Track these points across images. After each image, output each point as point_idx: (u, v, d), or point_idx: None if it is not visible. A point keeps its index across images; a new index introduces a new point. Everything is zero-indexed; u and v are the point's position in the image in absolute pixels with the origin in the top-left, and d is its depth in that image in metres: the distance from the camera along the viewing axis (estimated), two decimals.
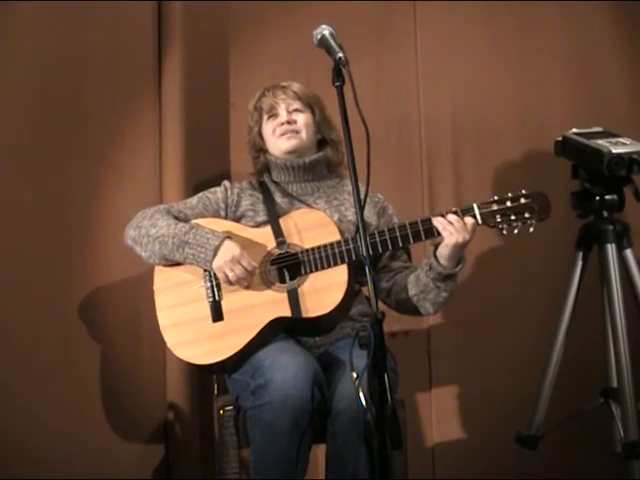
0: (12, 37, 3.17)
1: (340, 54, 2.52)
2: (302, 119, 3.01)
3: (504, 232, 2.83)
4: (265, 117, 3.04)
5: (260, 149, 3.07)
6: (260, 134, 3.06)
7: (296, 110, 3.02)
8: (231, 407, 2.85)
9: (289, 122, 3.00)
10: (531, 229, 2.83)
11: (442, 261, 2.82)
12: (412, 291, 2.90)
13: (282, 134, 3.00)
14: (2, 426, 3.09)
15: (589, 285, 3.12)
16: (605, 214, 3.07)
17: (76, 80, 3.29)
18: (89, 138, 3.30)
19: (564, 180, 3.16)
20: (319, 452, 2.83)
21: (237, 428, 2.83)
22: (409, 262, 3.01)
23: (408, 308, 2.95)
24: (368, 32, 3.59)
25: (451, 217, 2.79)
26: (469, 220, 2.79)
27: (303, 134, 3.01)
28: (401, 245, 2.83)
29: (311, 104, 3.04)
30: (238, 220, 2.98)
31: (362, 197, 2.45)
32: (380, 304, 2.94)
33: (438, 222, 2.79)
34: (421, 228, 2.81)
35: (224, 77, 3.52)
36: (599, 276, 3.09)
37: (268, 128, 3.03)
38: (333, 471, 2.70)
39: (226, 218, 2.98)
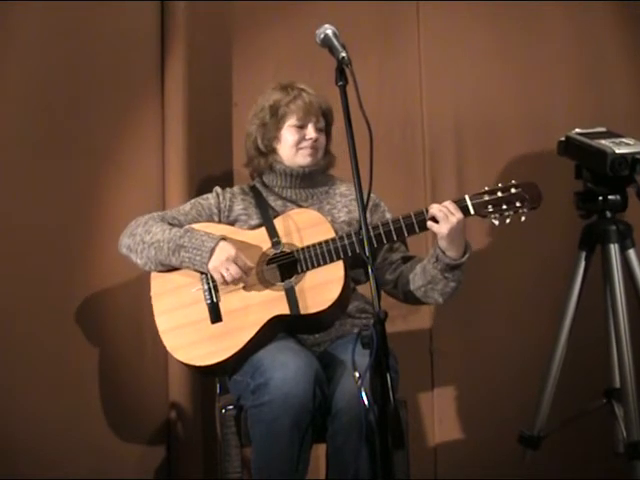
0: (15, 37, 3.16)
1: (343, 53, 2.51)
2: (323, 138, 3.01)
3: (496, 222, 2.84)
4: (291, 122, 2.98)
5: (270, 148, 3.02)
6: (276, 134, 3.02)
7: (321, 130, 3.00)
8: (233, 406, 2.85)
9: (315, 140, 2.99)
10: (522, 218, 2.84)
11: (448, 252, 2.83)
12: (419, 282, 2.90)
13: (304, 149, 2.98)
14: (4, 426, 3.09)
15: (592, 285, 3.12)
16: (608, 214, 3.07)
17: (79, 79, 3.28)
18: (92, 138, 3.30)
19: (567, 180, 3.16)
20: (320, 452, 2.83)
21: (239, 427, 2.82)
22: (408, 251, 3.02)
23: (416, 299, 2.95)
24: (371, 32, 3.59)
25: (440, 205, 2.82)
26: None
27: (320, 152, 3.01)
28: (395, 239, 2.85)
29: (328, 122, 3.03)
30: (232, 224, 2.97)
31: (364, 196, 2.45)
32: (384, 296, 2.98)
33: (432, 208, 2.81)
34: (414, 220, 2.82)
35: (227, 77, 3.51)
36: (602, 276, 3.09)
37: (289, 136, 2.99)
38: (333, 471, 2.70)
39: (219, 223, 2.97)
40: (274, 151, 3.03)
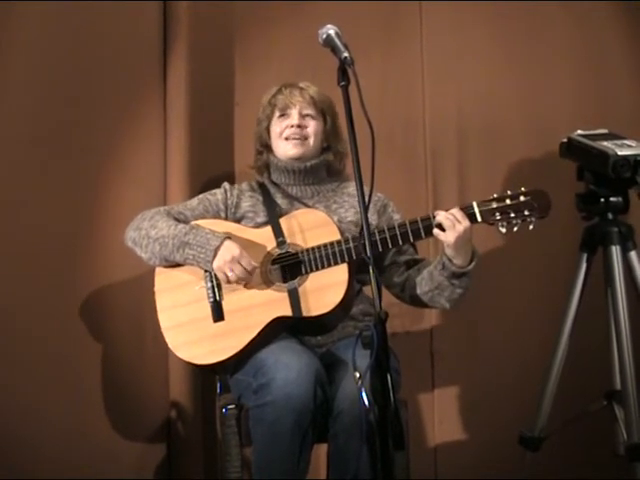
0: (19, 36, 3.16)
1: (345, 53, 2.50)
2: (312, 126, 2.98)
3: (503, 230, 2.80)
4: (277, 114, 3.01)
5: (265, 145, 3.05)
6: (268, 130, 3.04)
7: (308, 115, 2.98)
8: (233, 406, 2.85)
9: (299, 126, 2.97)
10: (530, 227, 2.80)
11: (454, 260, 2.80)
12: (426, 287, 2.89)
13: (289, 137, 2.98)
14: (4, 425, 3.09)
15: (593, 287, 3.12)
16: (610, 216, 3.07)
17: (81, 80, 3.28)
18: (94, 137, 3.30)
19: (569, 182, 3.15)
20: (321, 452, 2.83)
21: (239, 427, 2.82)
22: (417, 254, 3.00)
23: (422, 303, 2.93)
24: (374, 32, 3.58)
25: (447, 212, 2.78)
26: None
27: (310, 141, 2.99)
28: (401, 243, 2.82)
29: (324, 112, 3.00)
30: (238, 221, 2.97)
31: (366, 198, 2.43)
32: (392, 299, 2.97)
33: (439, 215, 2.77)
34: (421, 226, 2.79)
35: (229, 77, 3.51)
36: (603, 278, 3.09)
37: (277, 127, 3.00)
38: (334, 471, 2.70)
39: (226, 219, 2.97)
40: (269, 147, 3.04)
